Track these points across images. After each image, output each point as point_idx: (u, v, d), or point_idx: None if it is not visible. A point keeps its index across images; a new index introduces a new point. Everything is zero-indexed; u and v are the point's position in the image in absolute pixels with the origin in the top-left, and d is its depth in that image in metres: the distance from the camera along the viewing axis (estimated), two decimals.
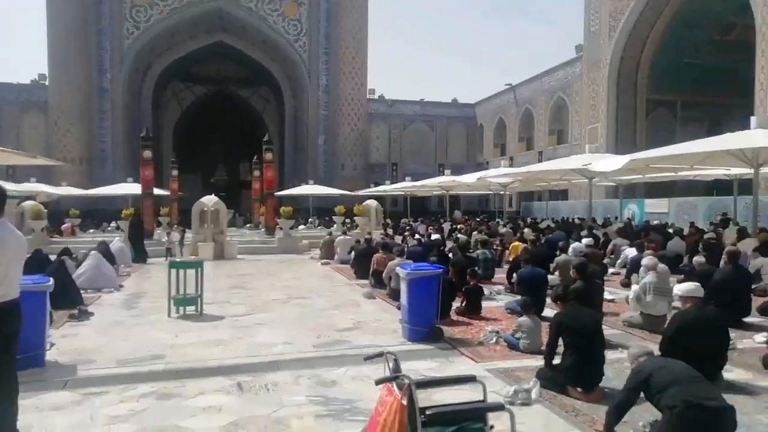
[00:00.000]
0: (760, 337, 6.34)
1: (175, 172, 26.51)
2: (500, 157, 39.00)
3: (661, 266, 7.57)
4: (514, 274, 9.08)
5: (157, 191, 24.80)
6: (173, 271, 8.12)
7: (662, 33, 29.18)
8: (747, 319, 7.18)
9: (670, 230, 17.19)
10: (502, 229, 17.46)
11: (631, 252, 11.53)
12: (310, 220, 28.96)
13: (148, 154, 17.94)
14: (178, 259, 11.03)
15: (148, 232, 17.74)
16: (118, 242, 14.57)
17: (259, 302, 9.10)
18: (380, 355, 3.13)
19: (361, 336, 6.83)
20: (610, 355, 5.77)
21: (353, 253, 12.88)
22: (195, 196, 18.28)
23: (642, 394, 3.57)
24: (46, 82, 33.14)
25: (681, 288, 5.15)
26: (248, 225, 26.90)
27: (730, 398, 4.00)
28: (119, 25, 33.42)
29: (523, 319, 6.11)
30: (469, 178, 22.61)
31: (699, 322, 4.69)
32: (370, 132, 41.38)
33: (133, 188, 23.13)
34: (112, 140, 33.34)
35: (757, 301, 7.95)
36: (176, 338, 6.73)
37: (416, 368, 5.28)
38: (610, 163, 12.81)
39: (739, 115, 29.59)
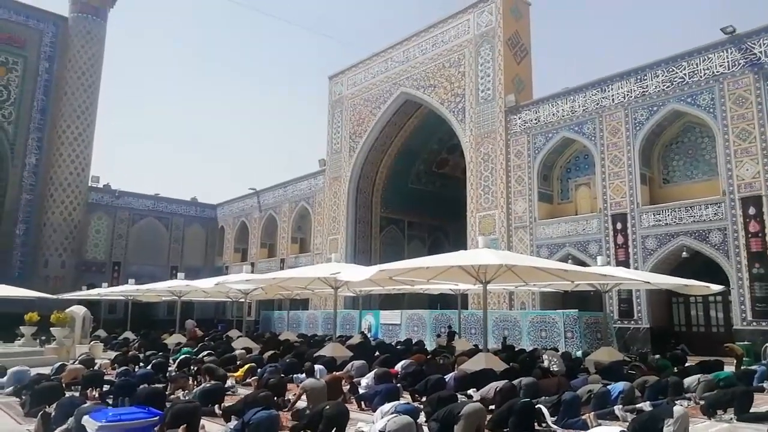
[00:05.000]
0: None
1: None
2: (242, 262, 37.30)
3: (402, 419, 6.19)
4: (234, 418, 7.26)
5: None
6: None
7: (393, 159, 32.68)
8: None
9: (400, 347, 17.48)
10: (238, 351, 15.26)
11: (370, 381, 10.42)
12: None
13: None
14: None
15: None
16: None
17: None
18: None
19: None
20: None
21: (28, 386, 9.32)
22: None
23: None
24: None
25: None
26: None
27: None
28: None
29: None
30: (206, 283, 20.28)
31: None
32: (89, 225, 35.61)
33: None
34: None
35: None
36: None
37: None
38: (358, 273, 12.38)
39: (452, 236, 34.13)
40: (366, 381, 10.16)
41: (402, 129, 31.65)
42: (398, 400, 8.35)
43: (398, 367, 11.60)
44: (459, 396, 8.78)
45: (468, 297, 23.08)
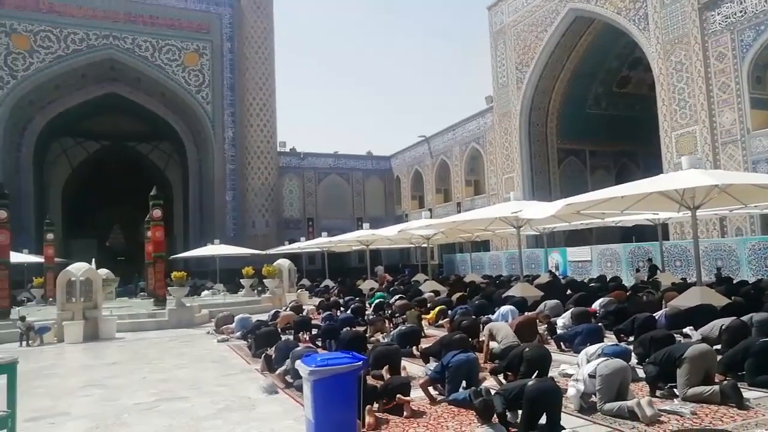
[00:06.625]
0: None
1: (50, 236, 22.82)
2: (419, 209, 38.21)
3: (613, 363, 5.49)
4: (432, 359, 7.43)
5: (22, 258, 21.70)
6: None
7: (566, 85, 30.03)
8: None
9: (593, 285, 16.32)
10: (427, 294, 15.62)
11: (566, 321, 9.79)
12: (214, 285, 26.02)
13: (2, 214, 14.91)
14: None
15: (2, 309, 14.65)
16: None
17: (111, 411, 6.45)
18: None
19: None
20: None
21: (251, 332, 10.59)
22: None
23: None
24: None
25: None
26: (141, 294, 23.51)
27: None
28: None
29: (483, 430, 4.26)
30: (390, 231, 21.07)
31: None
32: (282, 186, 39.33)
33: None
34: None
35: None
36: None
37: None
38: (541, 209, 11.65)
39: (643, 161, 30.77)
40: (562, 321, 9.65)
41: (573, 50, 28.78)
42: (601, 340, 7.75)
43: (596, 305, 10.85)
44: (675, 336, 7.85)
45: (668, 226, 20.71)
